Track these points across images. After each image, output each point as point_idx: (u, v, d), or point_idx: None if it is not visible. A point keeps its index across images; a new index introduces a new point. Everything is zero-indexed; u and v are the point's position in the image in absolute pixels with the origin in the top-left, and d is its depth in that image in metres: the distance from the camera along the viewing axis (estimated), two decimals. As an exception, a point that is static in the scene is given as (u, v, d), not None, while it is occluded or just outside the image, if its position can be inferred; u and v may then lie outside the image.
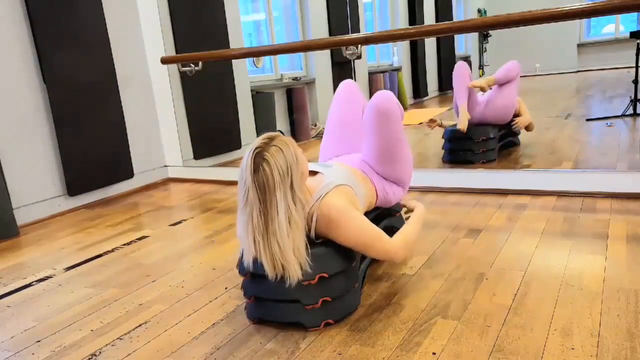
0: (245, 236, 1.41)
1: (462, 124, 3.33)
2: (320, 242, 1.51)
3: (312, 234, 1.51)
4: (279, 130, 5.01)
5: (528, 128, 3.63)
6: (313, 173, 1.67)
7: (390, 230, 1.96)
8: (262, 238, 1.37)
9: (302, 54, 5.55)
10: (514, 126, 3.54)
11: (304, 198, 1.42)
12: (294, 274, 1.37)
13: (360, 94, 2.05)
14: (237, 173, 1.40)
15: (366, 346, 1.37)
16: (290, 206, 1.36)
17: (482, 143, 3.34)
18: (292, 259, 1.37)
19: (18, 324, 1.71)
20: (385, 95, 1.68)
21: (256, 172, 1.34)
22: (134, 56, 3.65)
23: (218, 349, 1.43)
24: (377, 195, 1.78)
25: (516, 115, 3.57)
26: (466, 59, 9.35)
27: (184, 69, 3.38)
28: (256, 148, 1.36)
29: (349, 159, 1.86)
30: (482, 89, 3.46)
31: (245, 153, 1.39)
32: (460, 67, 3.40)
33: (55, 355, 1.49)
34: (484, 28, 2.48)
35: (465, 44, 9.79)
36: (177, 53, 3.74)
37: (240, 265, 1.53)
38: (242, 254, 1.48)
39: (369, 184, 1.76)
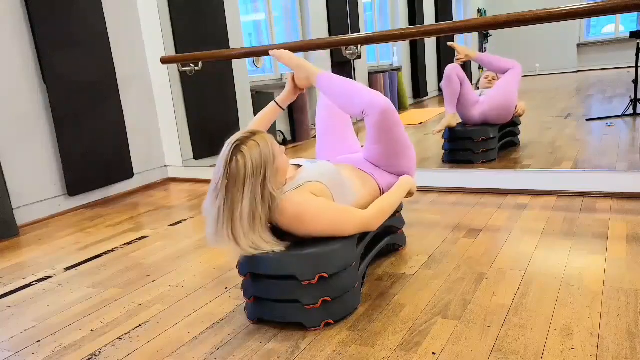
0: (211, 214, 1.44)
1: (440, 127, 3.38)
2: (324, 241, 1.51)
3: (278, 224, 1.52)
4: (279, 131, 5.01)
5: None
6: (297, 167, 1.68)
7: (390, 230, 1.97)
8: (225, 222, 1.41)
9: (301, 53, 5.54)
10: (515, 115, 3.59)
11: (278, 195, 1.46)
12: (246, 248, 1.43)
13: None
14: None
15: (366, 346, 1.37)
16: (257, 200, 1.40)
17: (482, 143, 3.34)
18: (246, 247, 1.42)
19: (18, 324, 1.71)
20: (384, 106, 1.63)
21: (230, 162, 1.39)
22: (134, 56, 3.65)
23: (218, 349, 1.43)
24: (381, 191, 1.81)
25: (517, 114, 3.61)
26: (466, 59, 9.35)
27: (184, 69, 3.38)
28: (236, 141, 1.42)
29: (350, 159, 1.88)
30: (462, 55, 3.47)
31: (226, 143, 1.45)
32: (449, 72, 3.37)
33: (55, 355, 1.49)
34: (484, 28, 2.47)
35: (465, 44, 9.79)
36: (177, 53, 3.74)
37: (241, 265, 1.53)
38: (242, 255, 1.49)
39: (370, 182, 1.77)
